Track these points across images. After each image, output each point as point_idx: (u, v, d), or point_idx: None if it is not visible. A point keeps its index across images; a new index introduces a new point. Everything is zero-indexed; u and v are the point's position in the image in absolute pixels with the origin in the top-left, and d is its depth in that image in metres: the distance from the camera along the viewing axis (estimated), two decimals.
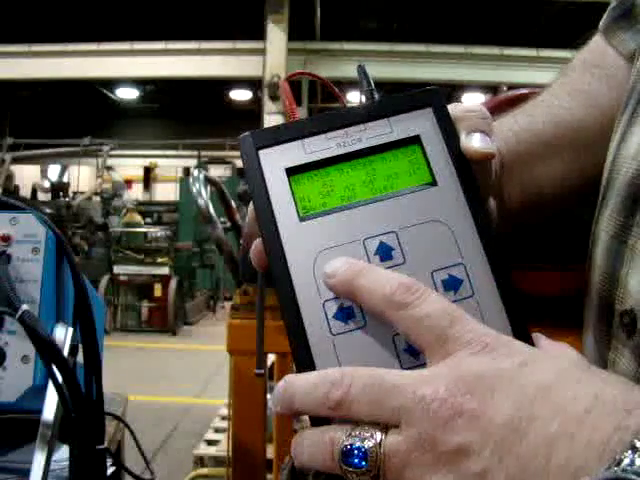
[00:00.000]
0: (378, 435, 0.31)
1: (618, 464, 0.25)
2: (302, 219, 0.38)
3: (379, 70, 7.33)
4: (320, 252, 0.37)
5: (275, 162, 0.40)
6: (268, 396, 1.91)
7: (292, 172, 0.39)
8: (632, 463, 0.25)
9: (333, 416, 0.33)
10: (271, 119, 7.41)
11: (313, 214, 0.38)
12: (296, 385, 0.34)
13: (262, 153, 0.40)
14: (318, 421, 0.34)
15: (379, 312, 0.34)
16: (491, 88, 8.84)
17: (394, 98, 0.41)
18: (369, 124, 0.40)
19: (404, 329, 0.33)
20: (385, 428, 0.31)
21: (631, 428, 0.27)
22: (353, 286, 0.35)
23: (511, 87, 7.26)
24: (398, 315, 0.33)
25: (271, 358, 2.20)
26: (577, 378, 0.30)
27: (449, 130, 0.40)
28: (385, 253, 0.37)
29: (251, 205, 0.40)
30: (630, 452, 0.26)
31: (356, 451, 0.31)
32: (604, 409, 0.28)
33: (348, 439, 0.31)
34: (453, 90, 9.83)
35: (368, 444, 0.31)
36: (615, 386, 0.29)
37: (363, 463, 0.31)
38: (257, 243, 0.40)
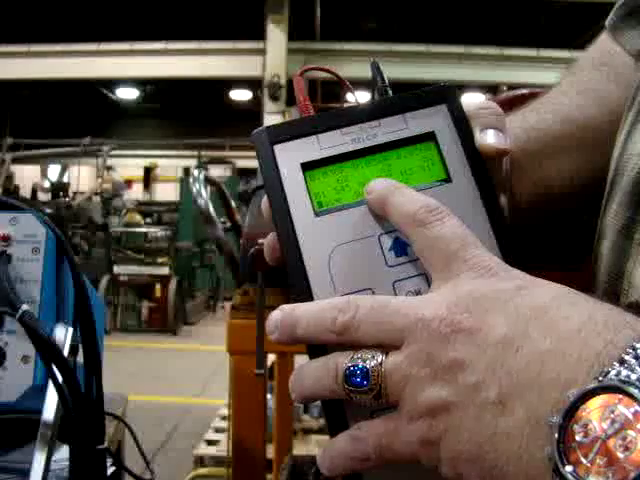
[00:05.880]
0: (379, 356, 0.32)
1: (605, 375, 0.27)
2: (317, 214, 0.38)
3: None
4: (335, 247, 0.38)
5: (290, 157, 0.39)
6: (268, 396, 1.91)
7: (307, 167, 0.39)
8: (618, 374, 0.27)
9: (337, 342, 0.34)
10: (271, 119, 7.41)
11: (328, 209, 0.39)
12: (300, 312, 0.35)
13: (277, 148, 0.40)
14: (316, 353, 0.35)
15: (401, 227, 0.36)
16: (491, 88, 8.84)
17: (408, 94, 0.41)
18: (384, 120, 0.40)
19: (418, 247, 0.35)
20: (386, 351, 0.33)
21: (620, 344, 0.28)
22: (386, 202, 0.37)
23: (511, 87, 7.25)
24: (415, 232, 0.35)
25: (271, 358, 2.20)
26: (571, 301, 0.31)
27: (463, 126, 0.40)
28: (400, 249, 0.37)
29: (264, 200, 0.40)
30: (617, 364, 0.27)
31: (358, 371, 0.32)
32: (595, 328, 0.29)
33: (351, 361, 0.33)
34: None
35: (370, 364, 0.32)
36: (607, 310, 0.31)
37: (365, 382, 0.32)
38: (270, 237, 0.40)
